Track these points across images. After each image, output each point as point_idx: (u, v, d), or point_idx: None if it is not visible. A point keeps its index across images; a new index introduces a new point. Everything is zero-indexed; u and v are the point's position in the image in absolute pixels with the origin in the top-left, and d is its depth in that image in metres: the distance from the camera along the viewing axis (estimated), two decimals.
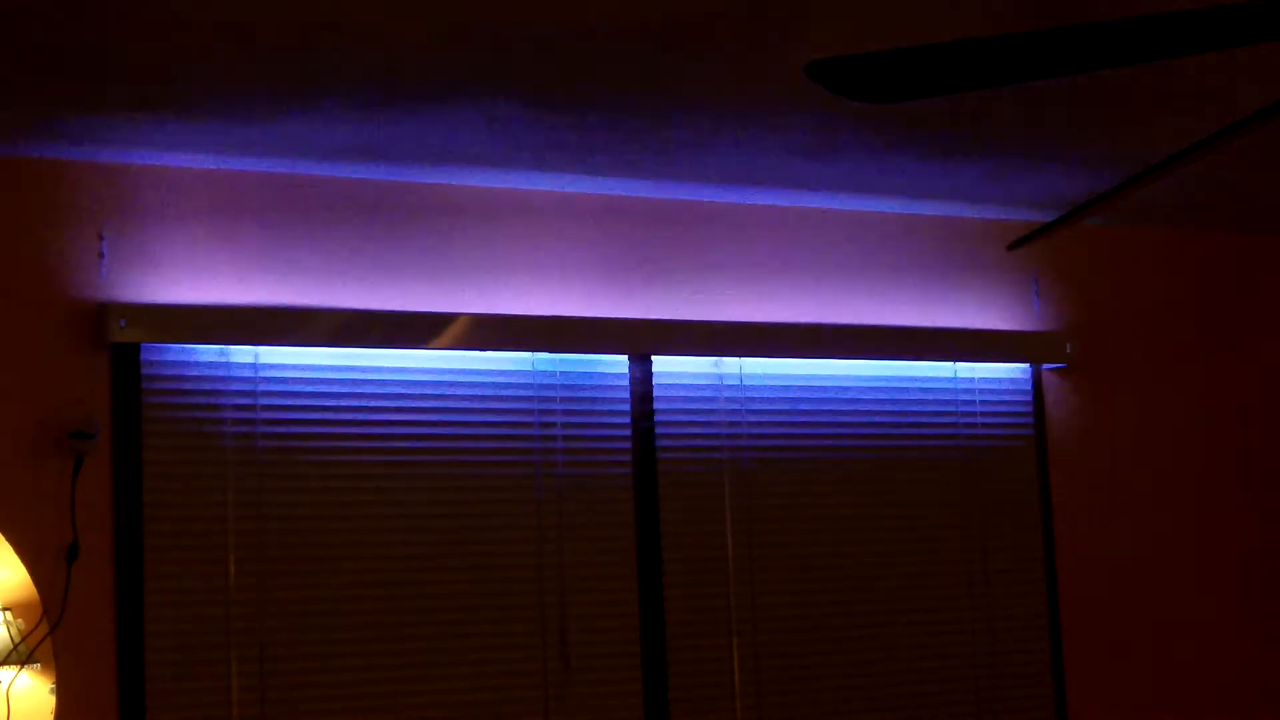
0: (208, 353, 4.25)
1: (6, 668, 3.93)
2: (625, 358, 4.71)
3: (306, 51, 3.48)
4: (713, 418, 4.80)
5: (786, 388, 4.90)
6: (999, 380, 5.20)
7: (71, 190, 4.18)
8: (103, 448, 4.12)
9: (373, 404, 4.41)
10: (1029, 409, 5.24)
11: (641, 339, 4.70)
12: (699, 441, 4.78)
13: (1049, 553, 5.21)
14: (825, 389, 4.95)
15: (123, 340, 4.11)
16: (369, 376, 4.41)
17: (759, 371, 4.86)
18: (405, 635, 4.37)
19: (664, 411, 4.74)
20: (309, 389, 4.36)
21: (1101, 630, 5.25)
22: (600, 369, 4.68)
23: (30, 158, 4.13)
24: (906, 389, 5.07)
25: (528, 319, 4.57)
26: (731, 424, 4.82)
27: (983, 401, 5.17)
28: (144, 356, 4.18)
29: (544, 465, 4.58)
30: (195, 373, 4.24)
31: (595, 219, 4.75)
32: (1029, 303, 5.29)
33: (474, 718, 4.41)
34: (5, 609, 3.99)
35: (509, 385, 4.58)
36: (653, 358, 4.74)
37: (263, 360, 4.30)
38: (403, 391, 4.45)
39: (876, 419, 5.02)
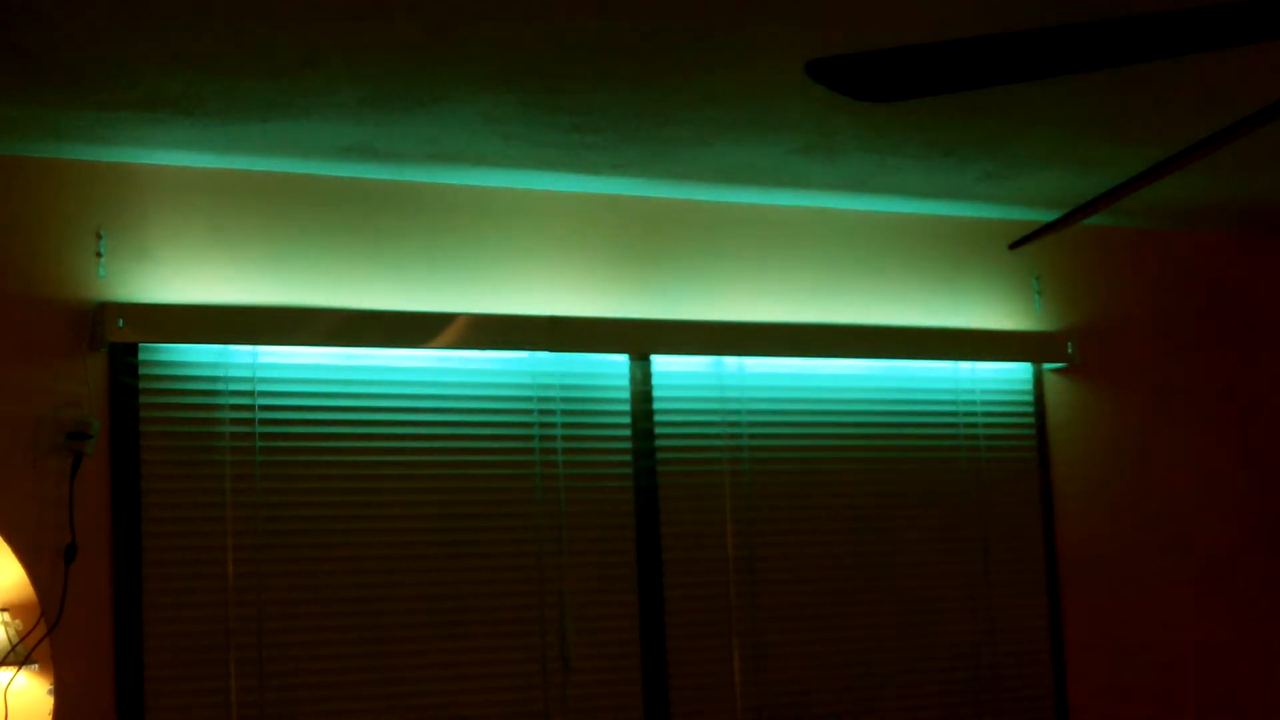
0: (206, 352, 4.24)
1: (5, 668, 3.92)
2: (625, 358, 4.70)
3: (307, 51, 3.48)
4: (713, 418, 4.80)
5: (786, 388, 4.90)
6: (1000, 380, 5.20)
7: (71, 190, 4.17)
8: (101, 447, 4.11)
9: (372, 404, 4.40)
10: (1030, 409, 5.23)
11: (641, 339, 4.69)
12: (699, 441, 4.78)
13: (1049, 553, 5.21)
14: (825, 389, 4.95)
15: (121, 340, 4.10)
16: (368, 376, 4.41)
17: (759, 371, 4.86)
18: (404, 635, 4.37)
19: (664, 411, 4.73)
20: (308, 389, 4.35)
21: (1102, 629, 5.24)
22: (600, 369, 4.68)
23: (30, 157, 4.12)
24: (907, 389, 5.06)
25: (528, 319, 4.56)
26: (731, 424, 4.81)
27: (984, 401, 5.16)
28: (142, 356, 4.18)
29: (544, 465, 4.57)
30: (194, 372, 4.23)
31: (595, 219, 4.74)
32: (1030, 303, 5.28)
33: (474, 718, 4.41)
34: (3, 609, 3.98)
35: (509, 385, 4.57)
36: (653, 358, 4.73)
37: (261, 360, 4.30)
38: (402, 391, 4.44)
39: (877, 419, 5.01)
